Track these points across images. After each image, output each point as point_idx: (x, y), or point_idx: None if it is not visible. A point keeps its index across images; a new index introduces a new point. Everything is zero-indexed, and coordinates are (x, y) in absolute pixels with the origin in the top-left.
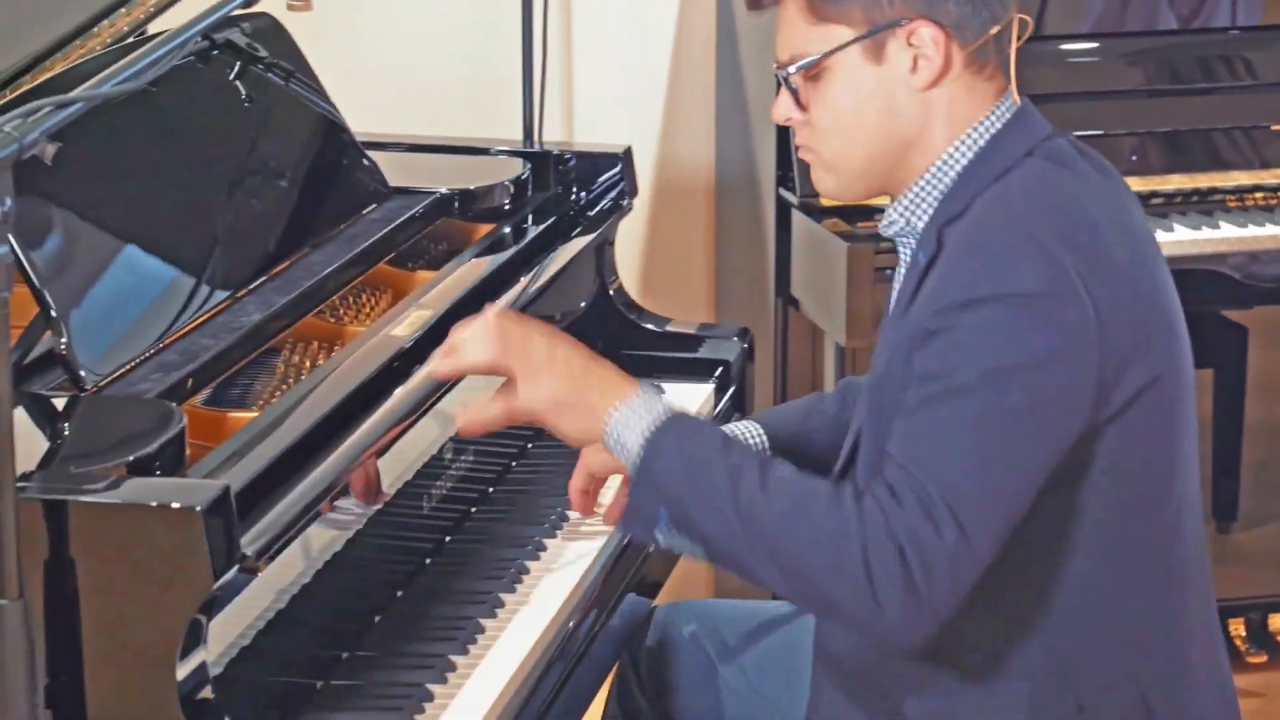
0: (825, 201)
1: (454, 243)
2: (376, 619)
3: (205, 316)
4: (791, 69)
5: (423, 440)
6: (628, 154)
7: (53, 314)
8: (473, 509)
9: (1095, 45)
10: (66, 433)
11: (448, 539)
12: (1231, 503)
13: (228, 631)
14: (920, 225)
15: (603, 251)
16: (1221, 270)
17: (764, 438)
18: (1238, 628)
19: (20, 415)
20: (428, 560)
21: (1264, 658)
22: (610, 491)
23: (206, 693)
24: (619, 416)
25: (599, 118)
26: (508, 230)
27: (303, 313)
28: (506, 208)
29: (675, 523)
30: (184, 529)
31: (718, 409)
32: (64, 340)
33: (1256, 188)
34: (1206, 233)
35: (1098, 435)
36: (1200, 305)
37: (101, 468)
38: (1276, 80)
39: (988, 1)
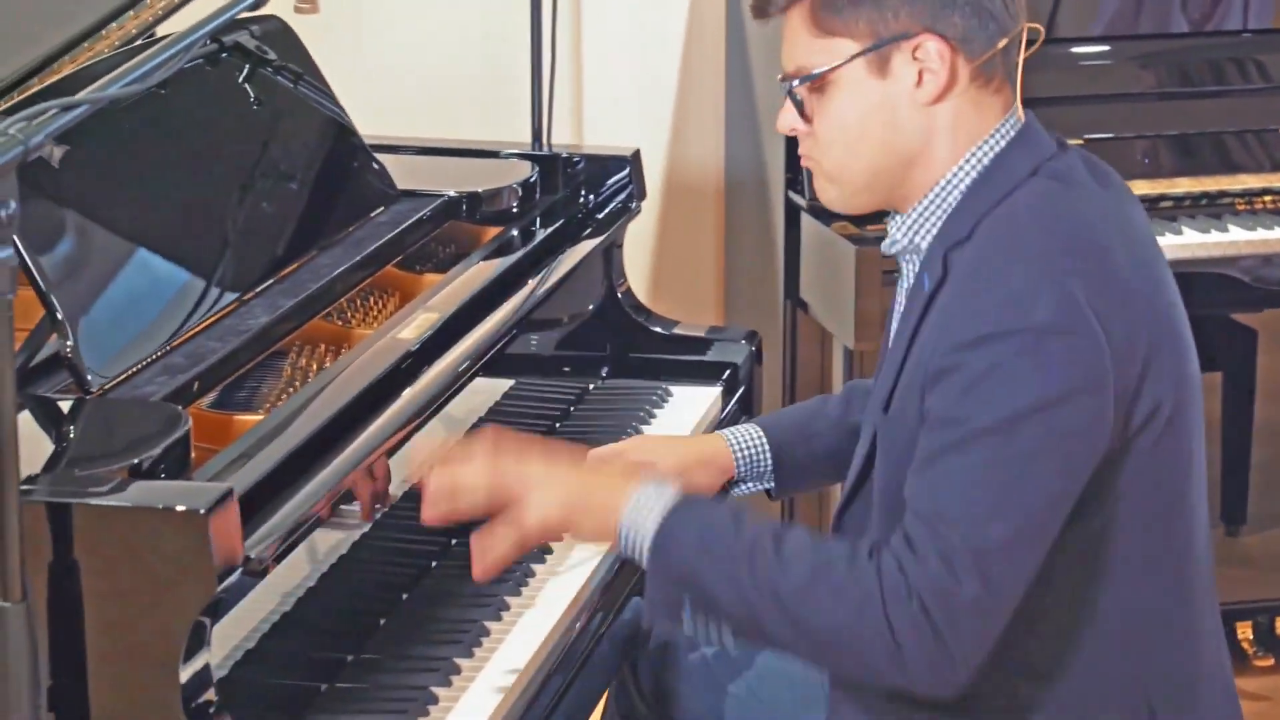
0: None
1: (462, 245)
2: (381, 622)
3: (212, 319)
4: (795, 81)
5: (428, 443)
6: (636, 157)
7: (58, 317)
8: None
9: (1107, 48)
10: (71, 435)
11: (453, 542)
12: (1240, 505)
13: (233, 634)
14: (924, 244)
15: (611, 254)
16: (1230, 273)
17: (764, 441)
18: (1245, 631)
19: (25, 418)
20: (433, 563)
21: (1271, 661)
22: None
23: (210, 695)
24: (630, 510)
25: (608, 120)
26: (516, 233)
27: (310, 315)
28: (515, 210)
29: (696, 606)
30: (188, 532)
31: (725, 412)
32: (69, 343)
33: (1265, 191)
34: (1215, 236)
35: (1117, 459)
36: (1209, 308)
37: (106, 470)
38: None
39: (995, 14)
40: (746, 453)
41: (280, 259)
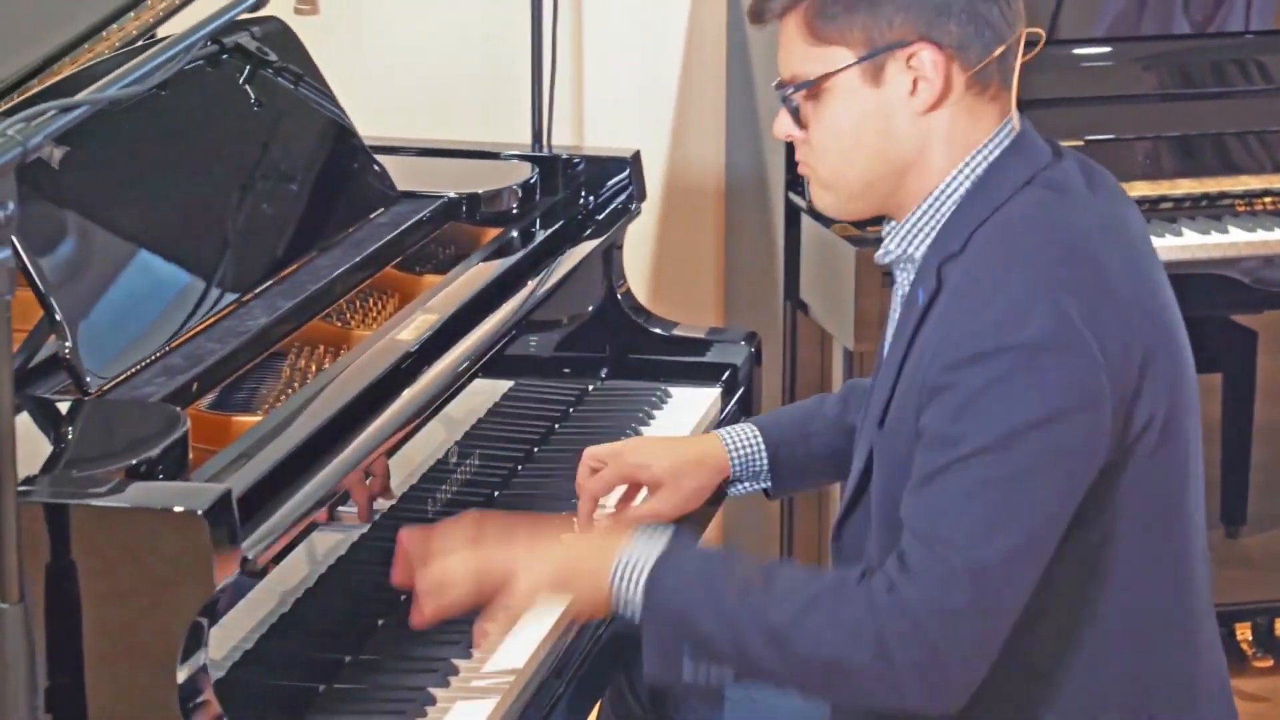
0: None
1: (462, 247)
2: (380, 623)
3: (211, 320)
4: (790, 89)
5: (428, 444)
6: (636, 158)
7: (57, 318)
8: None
9: (1109, 49)
10: (70, 436)
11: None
12: (1240, 507)
13: (231, 635)
14: (917, 254)
15: (610, 255)
16: (1230, 275)
17: (760, 440)
18: (1244, 632)
19: (24, 419)
20: None
21: (1270, 662)
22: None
23: (207, 695)
24: (620, 570)
25: (609, 121)
26: (515, 234)
27: (309, 316)
28: (514, 212)
29: (695, 652)
30: (186, 533)
31: (725, 413)
32: (68, 344)
33: (1266, 192)
34: (1215, 237)
35: (1115, 468)
36: (1209, 309)
37: (104, 471)
38: None
39: (991, 22)
40: (742, 452)
41: (280, 260)
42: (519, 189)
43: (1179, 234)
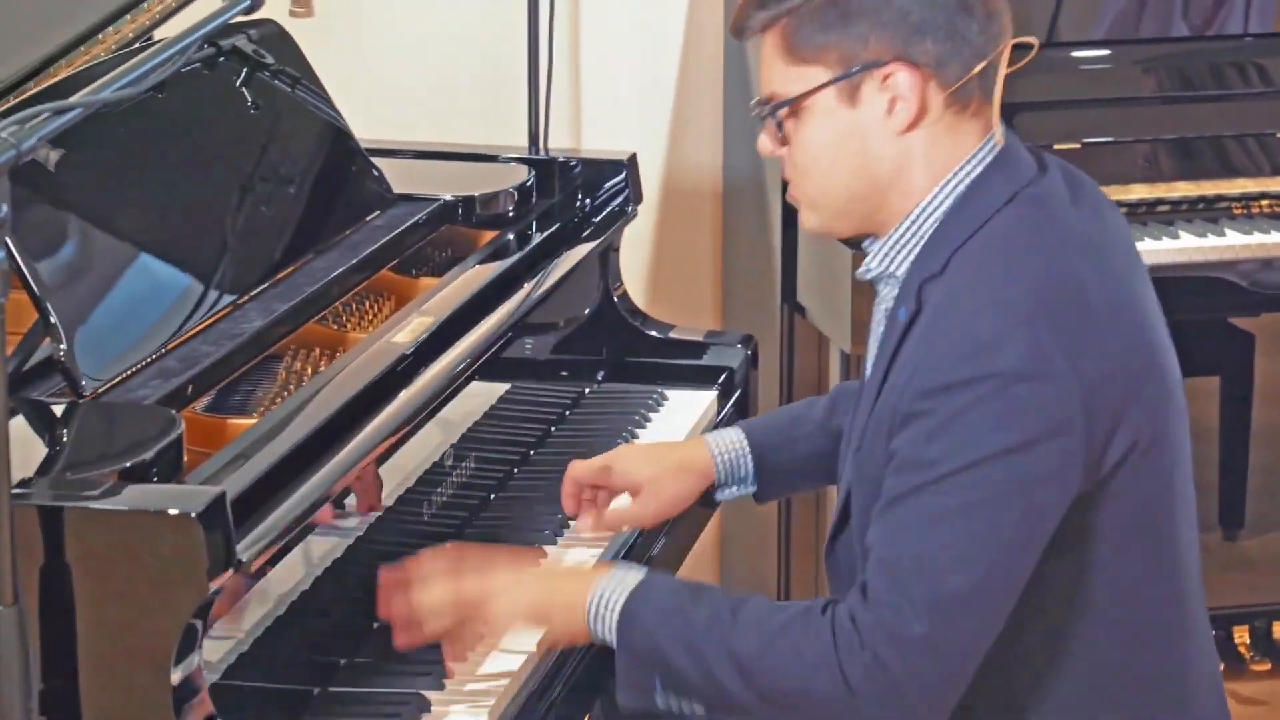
0: None
1: (458, 249)
2: (375, 625)
3: (206, 323)
4: (768, 107)
5: (424, 447)
6: (632, 161)
7: (52, 320)
8: (473, 516)
9: (1108, 52)
10: (64, 439)
11: (448, 545)
12: (1238, 510)
13: (226, 637)
14: (900, 272)
15: (607, 258)
16: (1228, 278)
17: (745, 444)
18: (1242, 635)
19: (19, 422)
20: None
21: (1268, 665)
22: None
23: (202, 697)
24: (595, 602)
25: (607, 124)
26: (512, 237)
27: (305, 319)
28: (511, 214)
29: (666, 684)
30: (180, 535)
31: (721, 415)
32: (63, 347)
33: (1263, 195)
34: (1212, 240)
35: (1093, 500)
36: (1206, 312)
37: (98, 474)
38: None
39: (970, 40)
40: (727, 457)
41: (276, 263)
42: (515, 192)
43: (1176, 237)
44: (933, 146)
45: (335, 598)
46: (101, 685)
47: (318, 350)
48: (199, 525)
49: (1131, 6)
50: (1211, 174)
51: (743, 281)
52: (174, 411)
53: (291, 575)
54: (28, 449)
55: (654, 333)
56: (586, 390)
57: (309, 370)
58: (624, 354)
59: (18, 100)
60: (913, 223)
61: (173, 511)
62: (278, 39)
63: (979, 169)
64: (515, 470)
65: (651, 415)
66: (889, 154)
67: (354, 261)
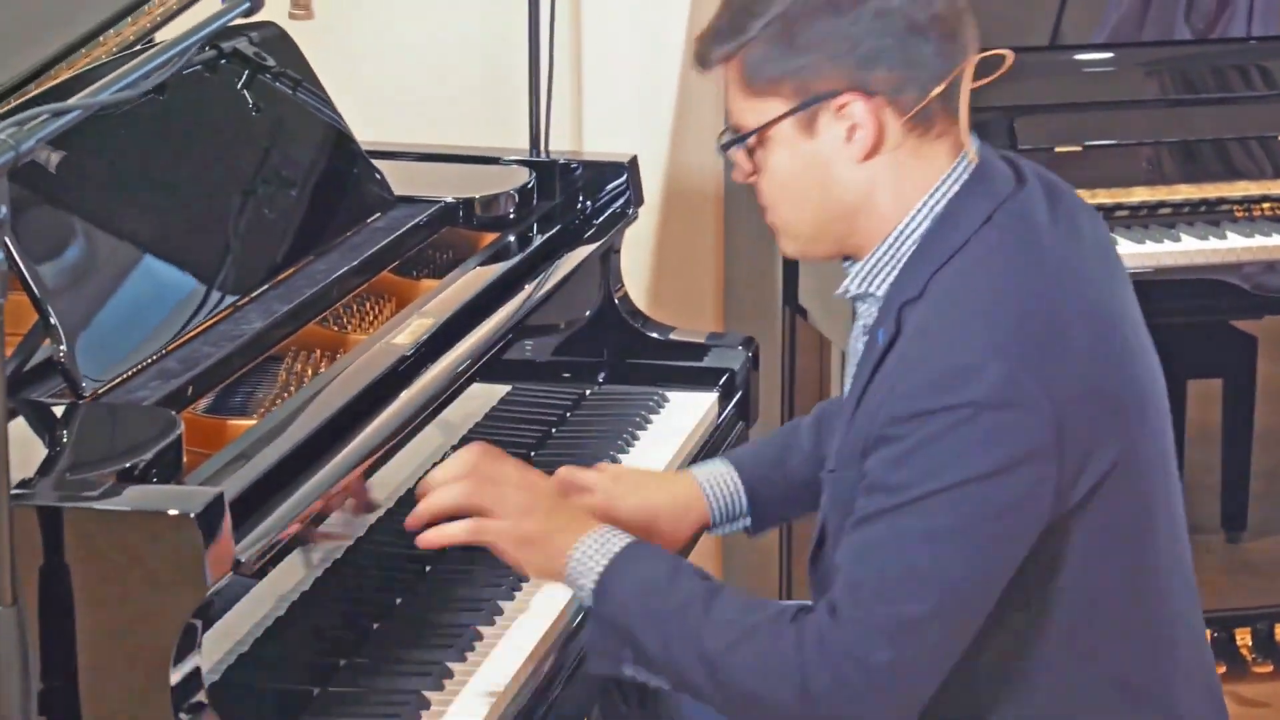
0: None
1: (459, 251)
2: (374, 626)
3: (207, 324)
4: (727, 137)
5: (424, 448)
6: (633, 163)
7: (52, 321)
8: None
9: (1111, 55)
10: (64, 440)
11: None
12: (1240, 512)
13: (226, 637)
14: (879, 292)
15: (608, 260)
16: (1230, 280)
17: (737, 480)
18: (1244, 637)
19: (19, 422)
20: (427, 567)
21: (1270, 668)
22: None
23: (201, 697)
24: (576, 557)
25: (608, 126)
26: (512, 239)
27: (305, 321)
28: (512, 216)
29: (636, 658)
30: (178, 535)
31: (722, 417)
32: (63, 348)
33: (1265, 198)
34: (1214, 243)
35: (1064, 524)
36: (1208, 315)
37: (97, 475)
38: None
39: (925, 63)
40: (722, 498)
41: (277, 264)
42: (516, 194)
43: (1178, 239)
44: (898, 172)
45: (335, 598)
46: (101, 685)
47: (318, 352)
48: (198, 526)
49: (1134, 10)
50: (1213, 176)
51: (744, 283)
52: (174, 412)
53: (291, 575)
54: (28, 449)
55: (655, 334)
56: (587, 392)
57: (309, 372)
58: (625, 356)
59: (18, 102)
60: (891, 244)
61: (172, 512)
62: (279, 41)
63: (955, 187)
64: None
65: (652, 417)
66: (853, 182)
67: (355, 263)
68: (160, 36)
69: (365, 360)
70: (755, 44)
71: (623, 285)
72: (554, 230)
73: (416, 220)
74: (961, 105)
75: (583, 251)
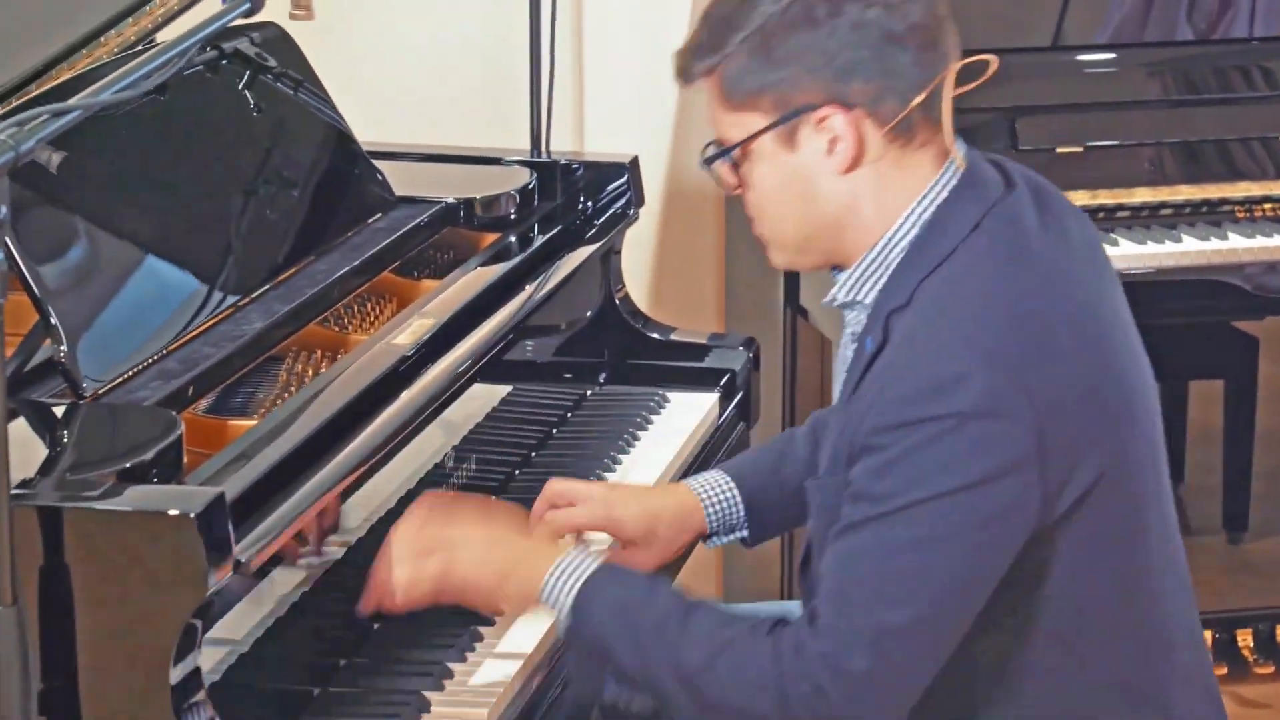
0: None
1: (460, 252)
2: (375, 626)
3: (208, 324)
4: (710, 151)
5: (425, 449)
6: (634, 164)
7: (52, 321)
8: None
9: (1113, 55)
10: (64, 440)
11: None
12: (1242, 513)
13: (226, 637)
14: (868, 300)
15: (609, 260)
16: (1232, 281)
17: (734, 490)
18: (1246, 638)
19: (19, 423)
20: None
21: (1271, 668)
22: None
23: (201, 697)
24: (552, 580)
25: (610, 127)
26: (514, 239)
27: (305, 321)
28: (513, 217)
29: (617, 678)
30: (179, 535)
31: (723, 418)
32: (63, 348)
33: (1266, 198)
34: (1215, 243)
35: (1050, 533)
36: (1210, 316)
37: (98, 475)
38: None
39: (902, 73)
40: (719, 510)
41: (277, 265)
42: (517, 194)
43: (1179, 240)
44: (881, 182)
45: (335, 598)
46: (101, 685)
47: (319, 352)
48: (198, 526)
49: (1136, 10)
50: (1215, 177)
51: (745, 283)
52: (174, 413)
53: (291, 576)
54: (28, 449)
55: (656, 335)
56: (588, 392)
57: (310, 372)
58: (626, 356)
59: (19, 102)
60: (878, 253)
61: (172, 512)
62: (280, 42)
63: (944, 194)
64: (516, 472)
65: (653, 417)
66: (836, 194)
67: (356, 263)
68: (161, 37)
69: (366, 360)
70: (734, 58)
71: (624, 286)
72: (555, 231)
73: (417, 221)
74: (945, 113)
75: (584, 252)
